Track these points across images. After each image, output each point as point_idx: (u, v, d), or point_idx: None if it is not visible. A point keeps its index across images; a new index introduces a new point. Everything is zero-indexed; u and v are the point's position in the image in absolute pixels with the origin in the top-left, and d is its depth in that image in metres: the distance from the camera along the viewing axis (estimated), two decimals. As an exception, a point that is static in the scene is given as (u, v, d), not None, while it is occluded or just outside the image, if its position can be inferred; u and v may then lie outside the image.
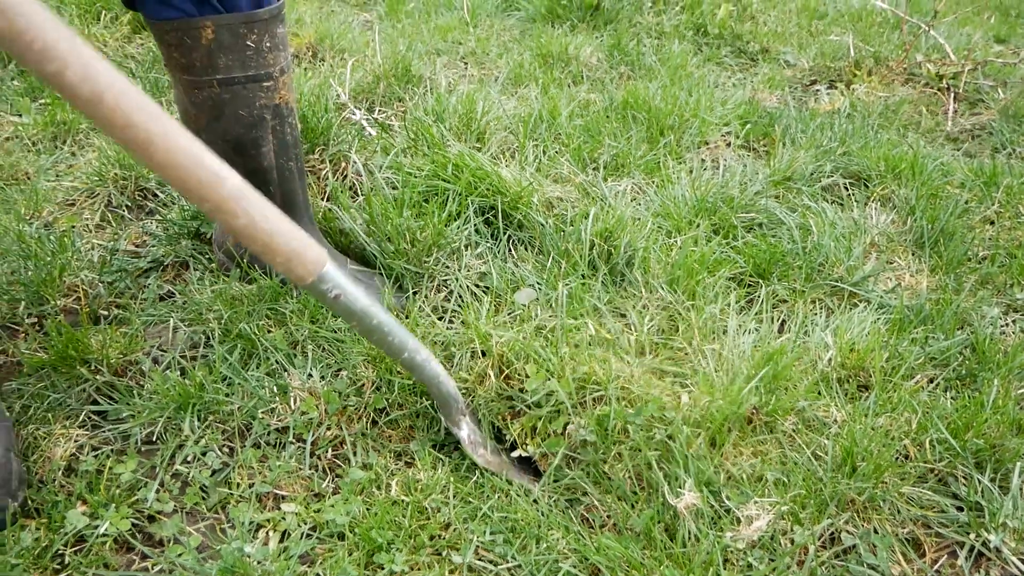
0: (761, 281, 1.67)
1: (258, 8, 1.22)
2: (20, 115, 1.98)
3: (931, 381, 1.44)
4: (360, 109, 2.18)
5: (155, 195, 1.78)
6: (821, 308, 1.62)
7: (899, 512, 1.18)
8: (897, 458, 1.25)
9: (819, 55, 2.95)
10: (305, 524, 1.10)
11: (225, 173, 0.79)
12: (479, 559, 1.07)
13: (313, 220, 1.52)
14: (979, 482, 1.20)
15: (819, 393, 1.38)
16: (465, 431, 1.21)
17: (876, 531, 1.16)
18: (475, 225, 1.66)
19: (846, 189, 2.08)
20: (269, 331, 1.37)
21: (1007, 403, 1.32)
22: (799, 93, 2.76)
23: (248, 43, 1.22)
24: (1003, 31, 3.41)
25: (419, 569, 1.05)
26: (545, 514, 1.12)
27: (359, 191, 1.80)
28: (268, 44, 1.24)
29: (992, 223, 1.97)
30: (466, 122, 2.10)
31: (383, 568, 1.04)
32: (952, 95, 2.67)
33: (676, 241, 1.72)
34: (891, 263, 1.81)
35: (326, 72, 2.45)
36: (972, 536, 1.15)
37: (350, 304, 0.96)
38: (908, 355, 1.45)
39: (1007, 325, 1.62)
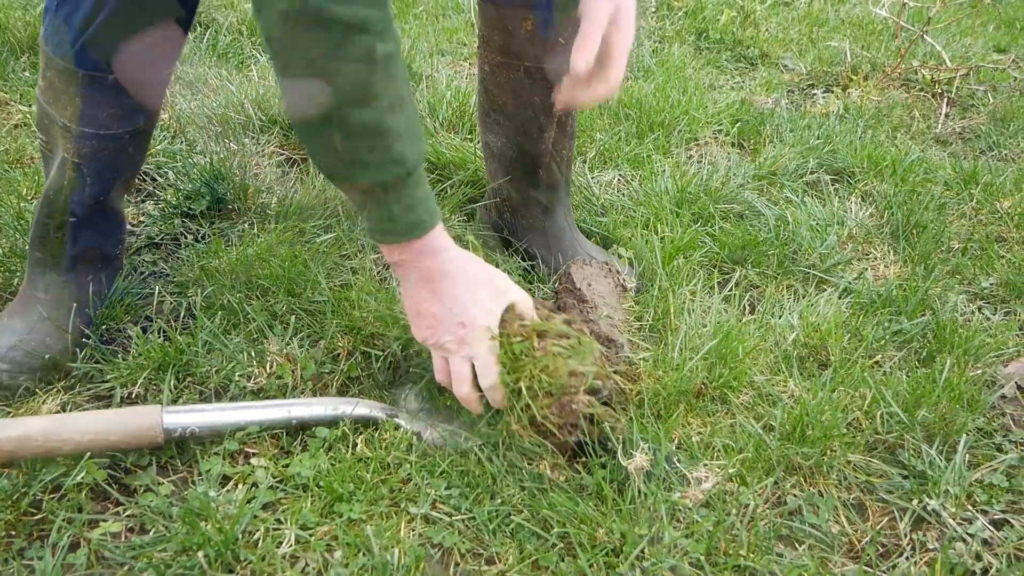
0: (736, 267, 1.71)
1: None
2: (29, 104, 2.06)
3: (889, 361, 1.48)
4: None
5: (153, 179, 1.85)
6: (791, 293, 1.67)
7: (845, 479, 1.23)
8: (848, 429, 1.29)
9: (817, 60, 2.99)
10: (272, 478, 1.16)
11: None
12: (435, 511, 1.13)
13: (570, 210, 1.71)
14: (927, 453, 1.24)
15: (780, 371, 1.42)
16: (405, 423, 1.25)
17: (821, 494, 1.20)
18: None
19: (829, 184, 2.12)
20: (250, 303, 1.43)
21: (960, 381, 1.36)
22: (795, 96, 2.80)
23: (559, 39, 1.41)
24: (1004, 41, 3.43)
25: (376, 518, 1.10)
26: (500, 472, 1.17)
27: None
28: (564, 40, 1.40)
29: (968, 218, 2.00)
30: (459, 115, 2.17)
31: (341, 516, 1.10)
32: (945, 100, 2.70)
33: (655, 228, 1.77)
34: (866, 254, 1.86)
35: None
36: (915, 502, 1.19)
37: (205, 431, 1.18)
38: (869, 336, 1.49)
39: (972, 313, 1.65)
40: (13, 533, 1.06)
